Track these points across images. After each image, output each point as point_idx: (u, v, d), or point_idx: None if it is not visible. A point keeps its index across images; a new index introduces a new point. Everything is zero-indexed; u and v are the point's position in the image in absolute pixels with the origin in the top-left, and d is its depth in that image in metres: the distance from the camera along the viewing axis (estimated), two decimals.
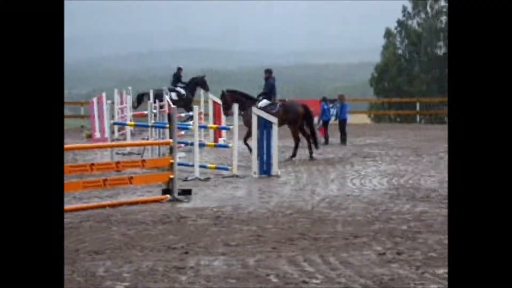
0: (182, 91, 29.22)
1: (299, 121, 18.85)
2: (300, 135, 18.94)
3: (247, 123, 17.67)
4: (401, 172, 16.03)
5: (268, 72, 20.00)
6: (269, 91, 19.57)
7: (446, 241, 9.00)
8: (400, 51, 53.95)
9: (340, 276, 7.45)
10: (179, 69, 29.95)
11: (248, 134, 17.64)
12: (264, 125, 15.76)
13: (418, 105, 37.56)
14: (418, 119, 38.49)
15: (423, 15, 53.71)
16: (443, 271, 7.54)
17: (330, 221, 10.45)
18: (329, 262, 8.02)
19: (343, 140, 23.11)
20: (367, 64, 66.36)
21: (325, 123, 23.58)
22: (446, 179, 14.77)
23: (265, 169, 15.55)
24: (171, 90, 28.91)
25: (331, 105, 24.19)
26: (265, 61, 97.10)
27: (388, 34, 53.80)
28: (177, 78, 29.83)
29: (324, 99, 24.28)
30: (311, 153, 18.79)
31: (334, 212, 11.17)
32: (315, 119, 20.93)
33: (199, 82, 29.51)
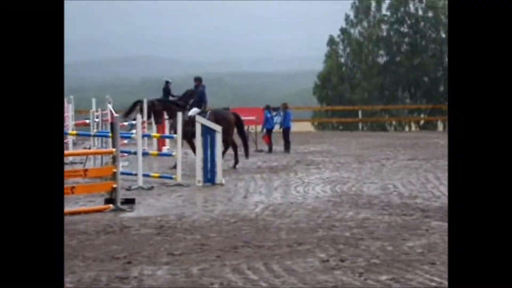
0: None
1: (231, 129, 18.85)
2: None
3: (175, 130, 17.55)
4: (344, 179, 16.18)
5: (198, 80, 19.81)
6: (199, 99, 19.46)
7: (389, 248, 9.12)
8: (342, 59, 54.48)
9: (284, 283, 7.48)
10: (167, 82, 28.52)
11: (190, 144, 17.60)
12: (207, 133, 15.74)
13: (360, 112, 37.99)
14: (360, 126, 38.90)
15: (365, 24, 54.36)
16: (385, 277, 7.63)
17: (274, 229, 10.48)
18: (273, 269, 8.04)
19: (287, 148, 23.22)
20: (311, 72, 66.90)
21: (269, 131, 23.65)
22: (388, 185, 14.96)
23: (209, 177, 15.53)
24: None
25: (274, 113, 24.29)
26: (209, 68, 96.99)
27: (331, 42, 54.29)
28: (166, 91, 29.74)
29: (268, 107, 24.37)
30: (236, 162, 18.80)
31: (278, 220, 11.21)
32: (259, 128, 21.00)
33: (193, 94, 29.45)
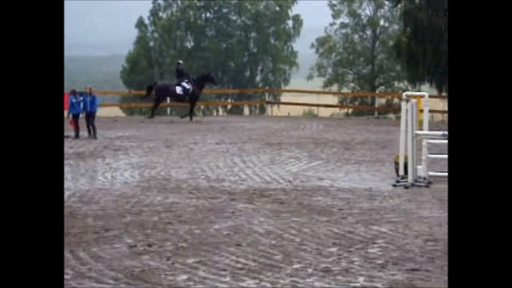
0: (188, 86, 28.25)
1: None
2: None
3: None
4: (152, 164, 16.15)
5: None
6: None
7: (196, 231, 9.24)
8: (151, 43, 54.24)
9: (91, 270, 7.38)
10: (179, 63, 29.67)
11: None
12: None
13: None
14: (168, 111, 38.99)
15: (174, 9, 54.42)
16: (193, 260, 7.73)
17: (80, 216, 10.30)
18: (79, 257, 7.91)
19: (93, 133, 22.85)
20: (120, 56, 66.02)
21: (75, 117, 23.14)
22: (196, 170, 15.12)
23: None
24: (177, 84, 28.28)
25: (80, 98, 23.78)
26: None
27: (140, 24, 53.87)
28: (181, 72, 28.96)
29: (74, 92, 23.82)
30: None
31: (85, 207, 11.02)
32: (65, 113, 20.46)
33: (207, 78, 29.50)
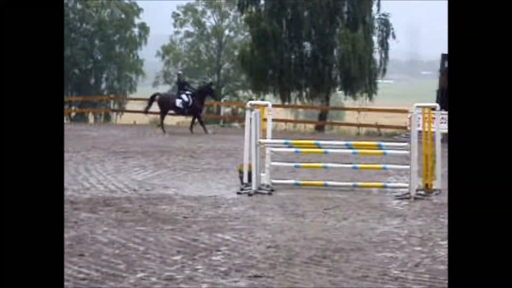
0: (186, 99, 26.74)
1: None
2: None
3: None
4: None
5: None
6: None
7: None
8: None
9: None
10: (179, 75, 28.88)
11: None
12: None
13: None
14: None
15: None
16: None
17: None
18: None
19: None
20: None
21: None
22: None
23: None
24: (176, 97, 27.06)
25: None
26: None
27: None
28: (181, 84, 27.61)
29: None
30: None
31: None
32: None
33: (206, 90, 28.44)
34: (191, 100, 27.29)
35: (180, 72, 30.97)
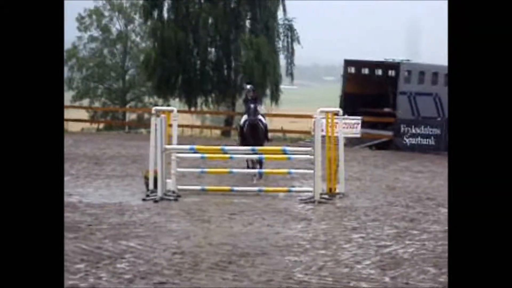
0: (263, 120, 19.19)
1: None
2: None
3: None
4: None
5: None
6: None
7: None
8: None
9: None
10: (251, 89, 19.48)
11: None
12: None
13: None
14: None
15: None
16: None
17: None
18: None
19: None
20: None
21: None
22: None
23: None
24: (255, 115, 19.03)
25: None
26: None
27: None
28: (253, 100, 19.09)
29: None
30: None
31: None
32: None
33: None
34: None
35: (249, 86, 20.10)
